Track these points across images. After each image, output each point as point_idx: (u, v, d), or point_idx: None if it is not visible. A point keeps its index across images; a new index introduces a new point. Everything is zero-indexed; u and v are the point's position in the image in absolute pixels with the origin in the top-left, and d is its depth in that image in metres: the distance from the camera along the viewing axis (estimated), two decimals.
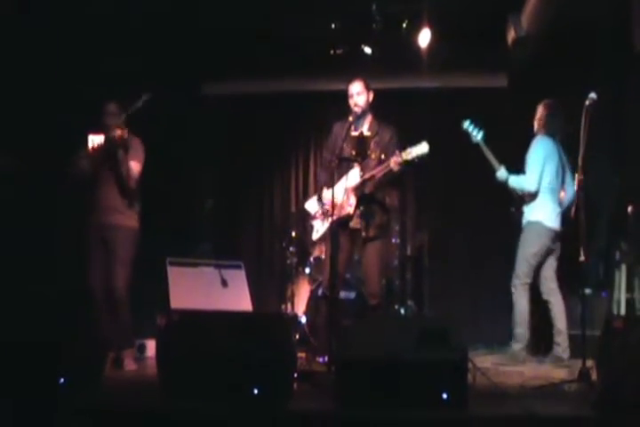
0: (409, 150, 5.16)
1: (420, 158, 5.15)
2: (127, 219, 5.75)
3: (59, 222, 6.61)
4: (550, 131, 5.80)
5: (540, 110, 5.83)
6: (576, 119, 4.84)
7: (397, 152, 5.22)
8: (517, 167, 5.83)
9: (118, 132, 5.52)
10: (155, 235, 6.92)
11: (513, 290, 5.76)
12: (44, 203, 6.57)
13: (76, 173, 5.76)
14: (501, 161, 5.96)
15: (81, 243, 5.80)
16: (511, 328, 5.89)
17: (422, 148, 5.14)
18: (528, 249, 5.72)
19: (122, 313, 5.69)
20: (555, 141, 5.79)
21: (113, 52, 6.84)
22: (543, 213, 5.71)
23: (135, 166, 5.72)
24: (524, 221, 5.79)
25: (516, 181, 5.77)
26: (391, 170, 5.23)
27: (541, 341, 6.04)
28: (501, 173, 5.77)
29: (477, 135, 5.78)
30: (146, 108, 5.54)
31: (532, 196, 5.71)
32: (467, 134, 5.83)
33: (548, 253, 5.79)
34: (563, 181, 5.82)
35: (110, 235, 5.68)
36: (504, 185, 5.80)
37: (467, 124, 5.84)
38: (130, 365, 5.64)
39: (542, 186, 5.72)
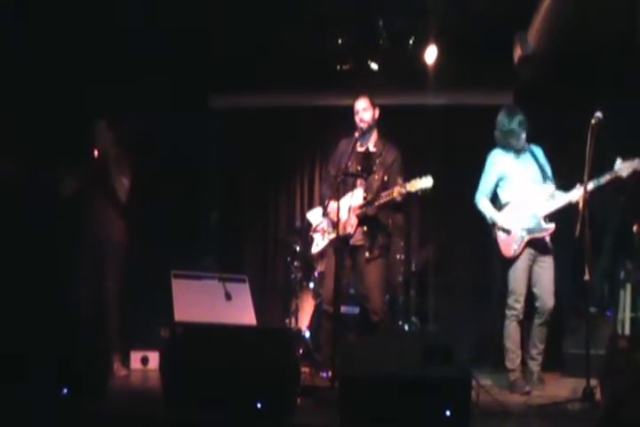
0: (413, 183, 5.20)
1: (423, 192, 5.18)
2: (119, 233, 5.90)
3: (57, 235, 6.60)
4: (501, 141, 5.64)
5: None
6: (582, 136, 4.85)
7: (401, 182, 5.25)
8: None
9: (113, 149, 5.71)
10: (159, 248, 6.96)
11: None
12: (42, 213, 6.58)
13: (66, 188, 5.86)
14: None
15: (73, 256, 5.88)
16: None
17: (426, 182, 5.18)
18: None
19: (111, 321, 5.76)
20: (508, 150, 5.62)
21: (118, 67, 6.86)
22: None
23: (125, 181, 5.88)
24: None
25: None
26: (394, 198, 5.27)
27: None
28: None
29: None
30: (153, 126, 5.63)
31: None
32: None
33: None
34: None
35: (103, 248, 5.80)
36: None
37: None
38: (120, 370, 5.71)
39: None
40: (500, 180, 5.64)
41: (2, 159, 6.25)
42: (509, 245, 5.46)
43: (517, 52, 6.50)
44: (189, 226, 7.70)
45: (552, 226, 5.36)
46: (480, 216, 5.72)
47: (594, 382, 4.46)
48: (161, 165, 7.35)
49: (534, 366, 5.46)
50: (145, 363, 6.17)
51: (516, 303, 5.42)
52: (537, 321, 5.48)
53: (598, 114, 4.82)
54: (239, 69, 7.53)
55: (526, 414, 4.35)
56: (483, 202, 5.68)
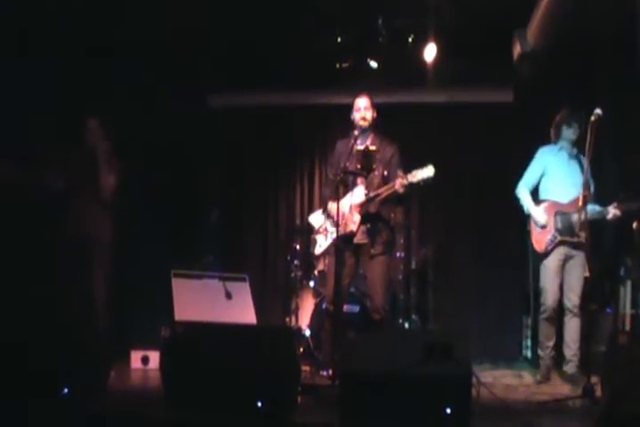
0: (414, 173, 5.18)
1: (425, 181, 5.17)
2: (105, 232, 5.86)
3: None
4: (556, 139, 5.79)
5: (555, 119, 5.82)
6: (582, 133, 4.85)
7: (403, 174, 5.25)
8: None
9: (104, 146, 5.70)
10: (159, 247, 6.96)
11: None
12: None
13: (52, 184, 5.85)
14: (507, 174, 5.99)
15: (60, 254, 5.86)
16: (516, 342, 5.87)
17: (428, 171, 5.15)
18: None
19: (101, 321, 5.75)
20: (562, 150, 5.77)
21: (122, 64, 6.86)
22: None
23: (112, 179, 5.87)
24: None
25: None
26: (396, 191, 5.26)
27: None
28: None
29: None
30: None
31: None
32: None
33: None
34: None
35: (91, 246, 5.77)
36: None
37: None
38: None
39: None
40: (542, 175, 5.76)
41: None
42: (542, 240, 5.61)
43: (517, 50, 6.50)
44: (189, 225, 7.70)
45: (583, 235, 5.34)
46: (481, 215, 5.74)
47: (594, 378, 4.46)
48: (161, 165, 7.35)
49: (570, 368, 5.54)
50: (145, 362, 6.16)
51: (547, 301, 5.56)
52: (565, 319, 5.58)
53: (598, 111, 4.81)
54: (238, 68, 7.53)
55: (527, 411, 4.34)
56: (523, 192, 5.80)
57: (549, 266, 5.58)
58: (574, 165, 5.69)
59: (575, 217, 5.38)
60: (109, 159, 5.86)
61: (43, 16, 6.29)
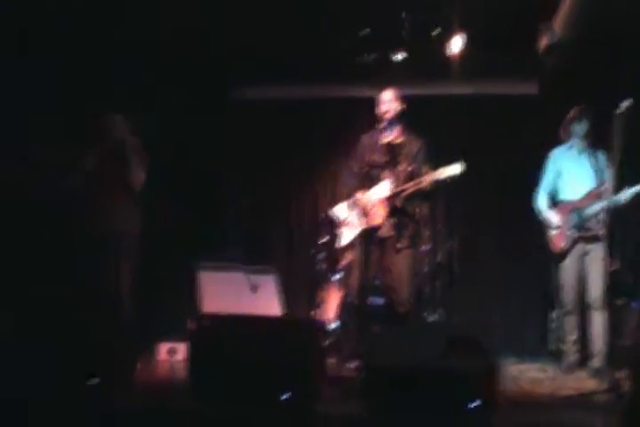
0: (441, 170, 5.18)
1: (452, 178, 5.17)
2: (134, 224, 5.87)
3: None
4: (567, 138, 5.85)
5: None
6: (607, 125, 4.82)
7: (429, 171, 5.25)
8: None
9: (133, 142, 5.73)
10: (185, 240, 7.00)
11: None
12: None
13: (78, 176, 5.88)
14: (532, 167, 5.98)
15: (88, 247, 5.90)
16: (541, 336, 5.87)
17: (455, 169, 5.15)
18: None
19: (127, 313, 5.79)
20: (572, 148, 5.80)
21: (143, 58, 6.89)
22: None
23: (142, 174, 5.89)
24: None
25: None
26: (422, 187, 5.26)
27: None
28: None
29: None
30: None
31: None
32: None
33: None
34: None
35: (118, 239, 5.80)
36: None
37: None
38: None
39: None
40: (557, 178, 5.87)
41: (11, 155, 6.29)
42: (558, 241, 5.70)
43: (543, 41, 6.45)
44: (215, 218, 7.74)
45: (595, 226, 5.50)
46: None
47: (620, 373, 4.44)
48: (185, 158, 7.39)
49: (595, 362, 5.54)
50: (172, 354, 6.20)
51: (566, 296, 5.67)
52: (589, 314, 5.59)
53: (625, 102, 4.78)
54: (263, 62, 7.53)
55: (553, 405, 4.33)
56: (539, 198, 5.94)
57: (567, 265, 5.68)
58: (584, 161, 5.76)
59: (587, 211, 5.45)
60: (139, 155, 5.89)
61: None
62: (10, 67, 6.16)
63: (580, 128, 5.75)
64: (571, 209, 5.67)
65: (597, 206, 5.51)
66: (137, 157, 5.84)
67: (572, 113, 5.82)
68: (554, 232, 5.72)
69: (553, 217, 5.76)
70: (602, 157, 5.70)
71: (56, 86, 6.38)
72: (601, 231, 5.49)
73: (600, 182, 5.57)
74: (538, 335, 7.11)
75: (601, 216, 5.51)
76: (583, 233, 5.58)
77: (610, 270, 5.20)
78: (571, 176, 5.79)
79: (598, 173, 5.62)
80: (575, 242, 5.62)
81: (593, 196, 5.57)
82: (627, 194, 5.38)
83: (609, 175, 5.50)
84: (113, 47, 6.61)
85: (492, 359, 3.92)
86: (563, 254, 5.68)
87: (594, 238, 5.54)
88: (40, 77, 6.29)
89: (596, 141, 5.76)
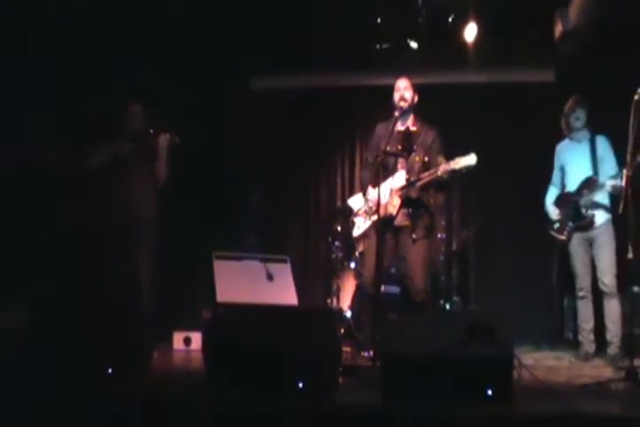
0: (457, 160, 5.18)
1: (467, 169, 5.16)
2: (152, 215, 5.98)
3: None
4: (568, 130, 5.85)
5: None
6: (626, 112, 4.79)
7: (445, 161, 5.25)
8: None
9: (165, 139, 5.81)
10: (201, 229, 7.02)
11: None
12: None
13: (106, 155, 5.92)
14: (547, 155, 5.96)
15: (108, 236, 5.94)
16: (558, 324, 5.86)
17: (470, 159, 5.15)
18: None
19: (146, 302, 5.83)
20: (572, 140, 5.83)
21: (160, 48, 6.88)
22: None
23: (168, 171, 6.04)
24: (600, 220, 5.62)
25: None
26: (438, 177, 5.26)
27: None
28: None
29: None
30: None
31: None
32: None
33: None
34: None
35: (138, 230, 5.86)
36: None
37: None
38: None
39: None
40: (561, 171, 5.92)
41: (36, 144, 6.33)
42: (559, 234, 5.77)
43: (558, 28, 6.40)
44: (231, 207, 7.75)
45: (591, 214, 5.57)
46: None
47: (637, 361, 4.42)
48: (202, 147, 7.39)
49: (611, 350, 5.55)
50: (187, 343, 6.23)
51: (580, 283, 5.71)
52: (604, 301, 5.60)
53: None
54: (280, 51, 7.52)
55: (569, 394, 4.32)
56: (547, 194, 5.98)
57: (574, 252, 5.73)
58: (583, 151, 5.75)
59: (581, 200, 5.57)
60: (169, 151, 5.98)
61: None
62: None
63: (577, 119, 5.73)
64: (568, 201, 5.72)
65: (592, 195, 5.53)
66: (167, 152, 5.93)
67: (567, 105, 5.82)
68: (556, 226, 5.78)
69: (553, 211, 5.81)
70: (603, 143, 5.70)
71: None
72: (600, 219, 5.57)
73: (596, 171, 5.58)
74: (553, 324, 7.10)
75: (602, 203, 5.58)
76: (578, 222, 5.63)
77: (624, 259, 5.16)
78: (569, 169, 5.82)
79: (597, 162, 5.61)
80: (573, 231, 5.68)
81: (588, 185, 5.57)
82: (617, 180, 5.32)
83: (613, 159, 5.61)
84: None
85: (508, 348, 3.91)
86: (566, 244, 5.75)
87: (590, 225, 5.60)
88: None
89: (608, 128, 5.73)
